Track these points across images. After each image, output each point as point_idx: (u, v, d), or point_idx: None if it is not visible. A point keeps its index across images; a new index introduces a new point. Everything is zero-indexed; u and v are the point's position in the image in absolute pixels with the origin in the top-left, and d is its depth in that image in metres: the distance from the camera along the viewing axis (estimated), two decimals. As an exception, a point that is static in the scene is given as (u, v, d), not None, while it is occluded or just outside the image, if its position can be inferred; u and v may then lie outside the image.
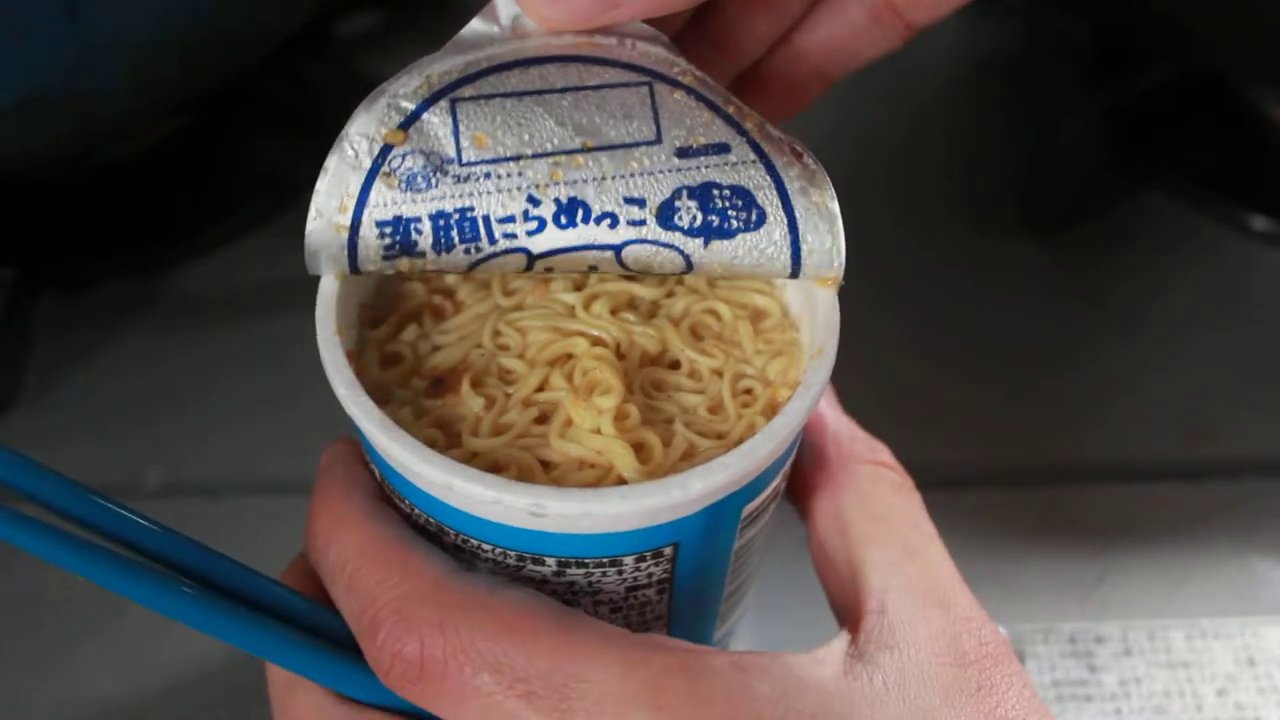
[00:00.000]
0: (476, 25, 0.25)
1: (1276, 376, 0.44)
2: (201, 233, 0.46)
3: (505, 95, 0.24)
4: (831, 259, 0.24)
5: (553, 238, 0.24)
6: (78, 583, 0.37)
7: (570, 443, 0.24)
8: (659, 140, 0.24)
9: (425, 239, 0.23)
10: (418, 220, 0.23)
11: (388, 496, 0.25)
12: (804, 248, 0.24)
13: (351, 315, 0.25)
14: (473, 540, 0.23)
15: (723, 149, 0.24)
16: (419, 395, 0.25)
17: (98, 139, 0.43)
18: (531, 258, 0.24)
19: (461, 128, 0.24)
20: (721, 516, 0.24)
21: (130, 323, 0.44)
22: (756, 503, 0.25)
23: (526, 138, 0.24)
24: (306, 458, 0.38)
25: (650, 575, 0.24)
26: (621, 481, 0.23)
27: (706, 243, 0.24)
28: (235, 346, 0.43)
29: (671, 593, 0.25)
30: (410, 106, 0.24)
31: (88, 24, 0.34)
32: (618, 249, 0.24)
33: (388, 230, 0.23)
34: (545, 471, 0.24)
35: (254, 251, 0.46)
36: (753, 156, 0.24)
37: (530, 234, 0.24)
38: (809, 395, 0.23)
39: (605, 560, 0.23)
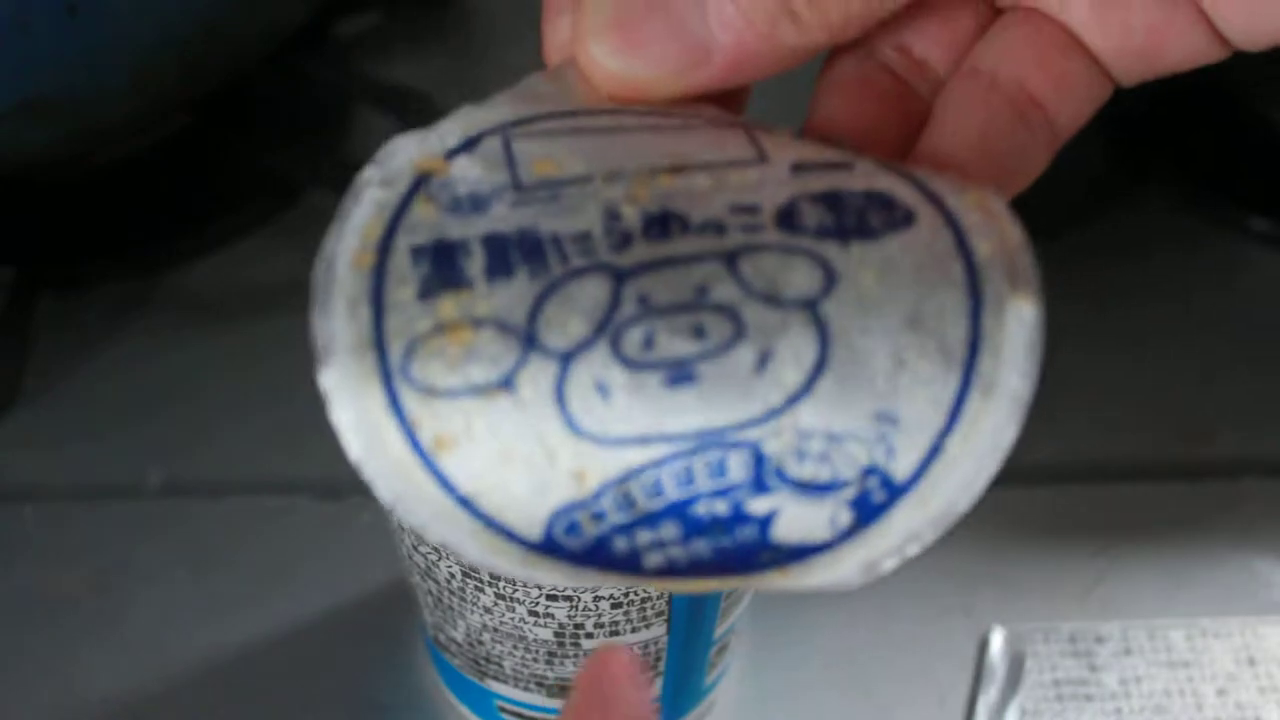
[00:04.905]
0: (533, 81, 0.20)
1: (1276, 376, 0.44)
2: (201, 233, 0.46)
3: (571, 132, 0.19)
4: (1013, 256, 0.20)
5: (643, 252, 0.18)
6: (78, 583, 0.37)
7: None
8: (764, 160, 0.19)
9: (476, 264, 0.17)
10: (466, 244, 0.17)
11: None
12: (971, 241, 0.19)
13: None
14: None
15: (845, 166, 0.19)
16: None
17: (98, 139, 0.43)
18: (618, 276, 0.17)
19: (519, 156, 0.18)
20: None
21: (130, 323, 0.44)
22: None
23: (600, 161, 0.19)
24: (307, 457, 0.38)
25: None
26: None
27: (845, 243, 0.18)
28: (235, 346, 0.43)
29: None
30: (453, 142, 0.19)
31: (88, 24, 0.34)
32: (731, 257, 0.18)
33: (425, 258, 0.17)
34: None
35: (254, 251, 0.46)
36: (882, 170, 0.19)
37: (613, 248, 0.18)
38: None
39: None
